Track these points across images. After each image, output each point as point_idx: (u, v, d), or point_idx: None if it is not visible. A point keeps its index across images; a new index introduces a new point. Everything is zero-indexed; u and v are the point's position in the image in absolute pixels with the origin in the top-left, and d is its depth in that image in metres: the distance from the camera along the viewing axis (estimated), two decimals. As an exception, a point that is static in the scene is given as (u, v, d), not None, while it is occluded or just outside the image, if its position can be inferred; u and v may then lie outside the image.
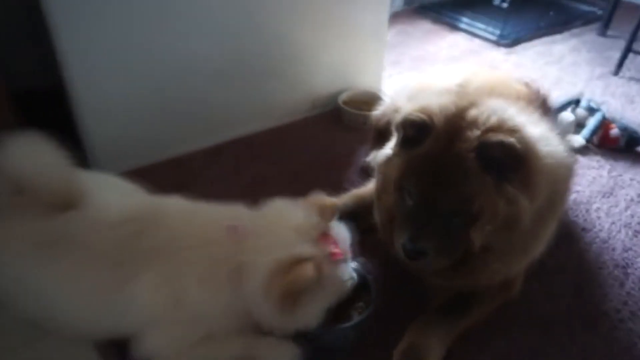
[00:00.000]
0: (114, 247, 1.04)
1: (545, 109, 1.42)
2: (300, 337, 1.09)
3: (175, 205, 1.16)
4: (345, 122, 1.94)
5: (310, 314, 1.03)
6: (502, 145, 0.96)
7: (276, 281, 0.97)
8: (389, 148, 1.16)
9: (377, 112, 1.66)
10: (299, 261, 0.97)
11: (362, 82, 2.05)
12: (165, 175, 1.60)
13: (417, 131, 1.04)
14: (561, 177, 1.15)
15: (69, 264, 1.03)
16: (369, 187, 1.42)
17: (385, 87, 2.12)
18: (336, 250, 1.04)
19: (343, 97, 1.97)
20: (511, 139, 0.96)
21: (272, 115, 1.89)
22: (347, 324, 1.11)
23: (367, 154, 1.66)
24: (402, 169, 1.06)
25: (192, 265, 1.04)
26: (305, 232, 1.02)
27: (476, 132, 0.99)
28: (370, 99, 1.91)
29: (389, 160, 1.13)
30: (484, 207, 0.99)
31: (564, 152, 1.18)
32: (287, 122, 1.92)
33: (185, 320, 1.04)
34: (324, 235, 1.05)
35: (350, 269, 1.12)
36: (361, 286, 1.16)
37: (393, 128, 1.12)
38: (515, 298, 1.24)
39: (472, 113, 1.03)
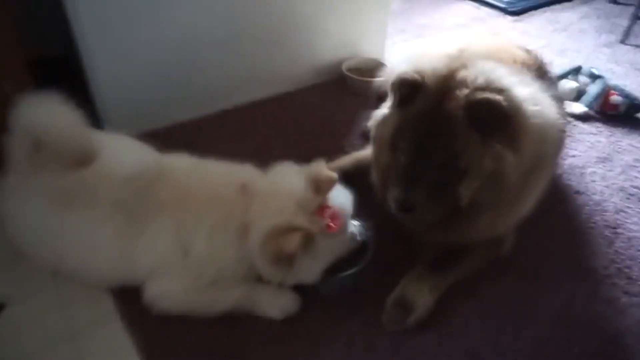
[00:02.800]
0: (127, 200, 1.12)
1: (542, 73, 1.46)
2: (299, 286, 1.17)
3: (186, 162, 1.23)
4: (349, 89, 1.99)
5: (306, 273, 1.12)
6: (488, 103, 1.01)
7: (268, 244, 1.05)
8: (384, 108, 1.22)
9: (380, 78, 1.70)
10: (291, 230, 1.04)
11: (366, 50, 2.09)
12: (174, 138, 1.67)
13: (410, 90, 1.09)
14: (550, 137, 1.19)
15: (85, 216, 1.12)
16: (368, 150, 1.47)
17: (390, 54, 2.16)
18: (331, 223, 1.10)
19: (347, 64, 2.02)
20: (497, 97, 1.01)
21: (277, 82, 1.94)
22: (343, 274, 1.19)
23: (368, 119, 1.71)
24: (396, 127, 1.12)
25: (203, 218, 1.12)
26: (304, 204, 1.09)
27: (464, 91, 1.04)
28: (374, 67, 1.96)
29: (384, 119, 1.19)
30: (471, 163, 1.05)
31: (554, 114, 1.22)
32: (292, 89, 1.97)
33: (193, 268, 1.12)
34: (322, 208, 1.10)
35: (351, 233, 1.19)
36: (360, 242, 1.23)
37: (388, 88, 1.18)
38: (506, 256, 1.31)
39: (462, 73, 1.08)
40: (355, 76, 1.98)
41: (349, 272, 1.19)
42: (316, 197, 1.09)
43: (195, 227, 1.12)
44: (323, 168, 1.13)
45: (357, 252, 1.24)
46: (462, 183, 1.08)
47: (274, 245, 1.04)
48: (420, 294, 1.17)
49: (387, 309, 1.16)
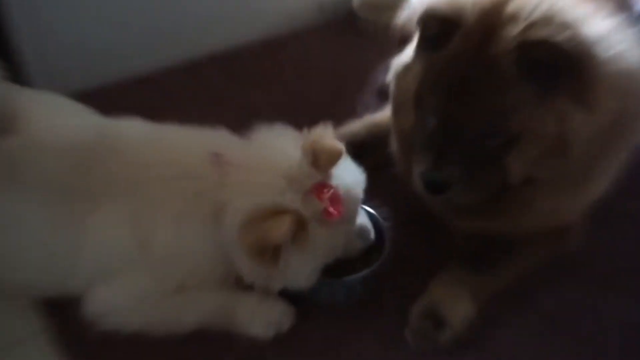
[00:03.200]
0: (63, 178, 1.13)
1: (623, 6, 1.44)
2: (293, 295, 1.18)
3: (140, 128, 1.24)
4: (362, 31, 1.99)
5: (296, 274, 1.11)
6: (547, 44, 0.99)
7: (247, 230, 1.04)
8: (407, 55, 1.22)
9: (403, 17, 1.68)
10: (277, 212, 1.04)
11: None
12: (125, 99, 1.67)
13: (441, 29, 1.08)
14: (633, 91, 1.16)
15: (7, 199, 1.12)
16: (387, 112, 1.47)
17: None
18: (331, 208, 1.08)
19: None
20: (560, 37, 0.99)
21: (264, 23, 1.95)
22: (351, 277, 1.19)
23: (387, 72, 1.65)
24: (422, 78, 1.11)
25: (165, 200, 1.12)
26: (296, 181, 1.08)
27: (516, 29, 1.02)
28: (393, 2, 1.95)
29: (406, 68, 1.17)
30: (525, 126, 1.03)
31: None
32: (285, 32, 1.97)
33: (153, 268, 1.13)
34: (320, 187, 1.09)
35: (361, 225, 1.20)
36: (375, 234, 1.24)
37: (413, 28, 1.17)
38: (573, 253, 1.30)
39: (513, 5, 1.06)
40: (369, 15, 1.98)
41: (359, 274, 1.19)
42: (313, 172, 1.08)
43: (155, 212, 1.12)
44: (327, 135, 1.13)
45: (370, 248, 1.24)
46: (513, 153, 1.07)
47: (254, 232, 1.03)
48: (457, 302, 1.17)
49: (413, 322, 1.16)
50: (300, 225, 1.04)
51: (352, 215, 1.16)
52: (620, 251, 1.37)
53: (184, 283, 1.15)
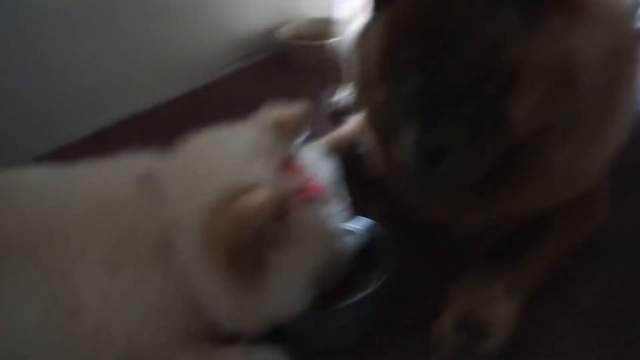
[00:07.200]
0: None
1: None
2: (280, 337, 1.07)
3: (42, 175, 1.16)
4: (294, 62, 2.10)
5: (288, 289, 1.01)
6: None
7: (214, 225, 0.94)
8: (360, 21, 1.20)
9: (336, 39, 1.74)
10: (249, 189, 0.95)
11: (308, 9, 2.24)
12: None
13: None
14: (623, 34, 1.16)
15: None
16: (349, 124, 1.51)
17: (341, 7, 2.14)
18: (311, 184, 1.04)
19: (285, 31, 2.15)
20: None
21: (186, 74, 2.00)
22: (350, 302, 1.07)
23: (332, 94, 1.78)
24: (389, 35, 1.09)
25: (91, 248, 1.02)
26: (266, 150, 1.03)
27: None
28: (322, 29, 2.06)
29: (365, 32, 1.16)
30: (520, 56, 1.00)
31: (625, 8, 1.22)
32: (209, 80, 2.03)
33: (88, 340, 1.00)
34: (289, 164, 1.05)
35: (337, 228, 1.12)
36: (365, 257, 1.17)
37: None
38: (599, 230, 1.27)
39: None
40: (300, 43, 2.12)
41: (357, 298, 1.09)
42: (281, 143, 1.04)
43: (77, 266, 1.01)
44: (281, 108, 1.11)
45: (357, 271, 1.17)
46: (512, 97, 1.03)
47: (223, 222, 0.92)
48: (495, 303, 1.08)
49: (443, 337, 1.05)
50: (282, 203, 0.95)
51: (332, 204, 1.10)
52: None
53: (133, 350, 1.02)
